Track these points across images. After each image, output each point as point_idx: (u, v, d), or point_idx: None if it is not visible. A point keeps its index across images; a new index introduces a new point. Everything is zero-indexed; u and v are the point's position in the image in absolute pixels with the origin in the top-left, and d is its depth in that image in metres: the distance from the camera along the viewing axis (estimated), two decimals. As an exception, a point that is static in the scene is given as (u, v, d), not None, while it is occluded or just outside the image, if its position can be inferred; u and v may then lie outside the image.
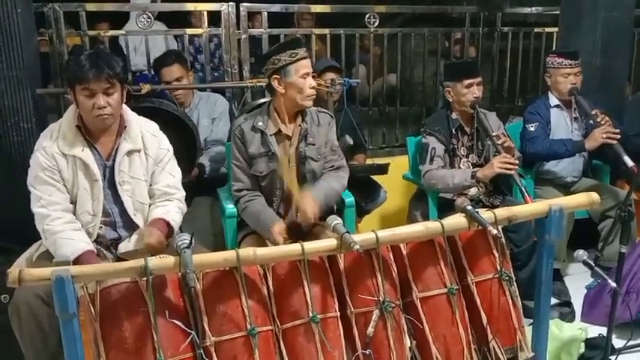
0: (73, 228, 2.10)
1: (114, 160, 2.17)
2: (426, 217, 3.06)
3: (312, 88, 2.42)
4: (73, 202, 2.15)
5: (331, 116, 2.62)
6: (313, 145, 2.51)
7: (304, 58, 2.41)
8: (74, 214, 2.14)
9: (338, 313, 1.69)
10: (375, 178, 3.31)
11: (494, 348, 1.80)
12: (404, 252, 1.79)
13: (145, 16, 3.34)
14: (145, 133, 2.23)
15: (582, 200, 1.91)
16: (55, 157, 2.10)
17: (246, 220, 2.53)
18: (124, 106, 2.23)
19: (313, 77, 2.48)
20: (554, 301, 2.81)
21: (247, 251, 1.59)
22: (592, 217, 3.23)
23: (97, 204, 2.14)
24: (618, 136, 2.96)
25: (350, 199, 2.81)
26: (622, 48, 3.67)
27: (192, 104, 3.26)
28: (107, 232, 2.21)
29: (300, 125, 2.49)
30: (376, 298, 1.69)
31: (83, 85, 2.04)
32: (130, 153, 2.19)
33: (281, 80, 2.40)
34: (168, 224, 2.19)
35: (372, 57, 4.07)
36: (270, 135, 2.46)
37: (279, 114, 2.48)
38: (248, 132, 2.48)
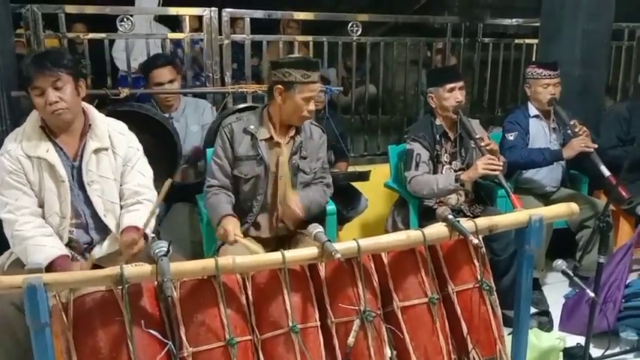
0: (44, 233, 2.05)
1: (81, 160, 2.14)
2: (407, 225, 3.06)
3: (310, 111, 2.39)
4: (41, 204, 2.11)
5: (323, 131, 2.60)
6: (305, 158, 2.49)
7: (314, 82, 2.37)
8: (43, 217, 2.10)
9: (318, 323, 1.66)
10: (356, 185, 3.31)
11: (474, 358, 1.79)
12: (385, 261, 1.77)
13: (125, 19, 3.30)
14: (112, 132, 2.20)
15: (562, 210, 1.91)
16: (19, 160, 2.07)
17: (207, 212, 2.50)
18: (89, 105, 2.21)
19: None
20: (532, 310, 2.83)
21: (226, 259, 1.56)
22: (570, 226, 3.26)
23: (64, 205, 2.10)
24: (595, 146, 3.01)
25: (331, 206, 2.81)
26: (600, 60, 3.75)
27: (178, 109, 3.22)
28: (80, 236, 2.17)
29: (294, 137, 2.47)
30: (357, 308, 1.67)
31: (31, 85, 2.02)
32: (97, 151, 2.15)
33: (283, 93, 2.36)
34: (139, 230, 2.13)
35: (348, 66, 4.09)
36: (261, 140, 2.43)
37: (272, 120, 2.45)
38: (238, 132, 2.45)
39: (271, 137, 2.45)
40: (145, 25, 3.89)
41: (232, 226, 2.27)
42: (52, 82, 2.02)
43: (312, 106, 2.39)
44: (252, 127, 2.44)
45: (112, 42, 3.78)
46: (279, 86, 2.35)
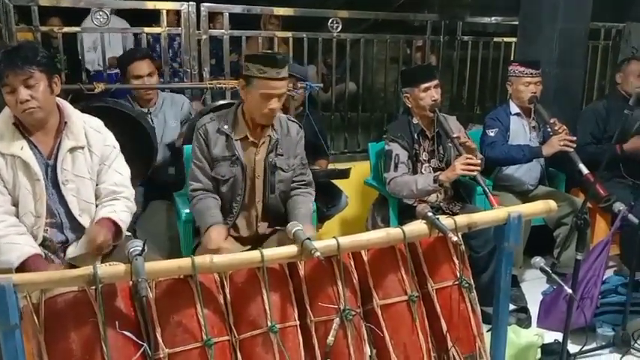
0: (18, 232, 2.00)
1: (56, 159, 2.08)
2: (387, 223, 3.06)
3: (271, 110, 2.30)
4: (15, 203, 2.05)
5: (300, 126, 2.55)
6: (282, 155, 2.45)
7: (271, 79, 2.26)
8: (17, 217, 2.04)
9: (297, 322, 1.64)
10: (336, 183, 3.29)
11: (453, 356, 1.79)
12: (365, 259, 1.76)
13: (101, 12, 3.23)
14: (88, 130, 2.15)
15: (540, 208, 1.92)
16: None
17: (194, 217, 2.46)
18: (64, 102, 2.15)
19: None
20: (511, 307, 2.84)
21: (204, 258, 1.53)
22: (547, 223, 3.29)
23: (40, 204, 2.05)
24: (574, 145, 3.04)
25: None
26: (578, 59, 3.79)
27: (156, 105, 3.17)
28: (54, 235, 2.12)
29: (269, 135, 2.42)
30: (337, 306, 1.66)
31: (2, 82, 1.96)
32: (72, 150, 2.10)
33: (245, 87, 2.32)
34: (114, 223, 2.10)
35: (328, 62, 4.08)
36: (236, 140, 2.39)
37: (246, 119, 2.41)
38: (213, 133, 2.40)
39: (246, 137, 2.41)
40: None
41: (216, 234, 2.26)
42: (23, 80, 1.96)
43: (273, 105, 2.30)
44: (226, 127, 2.38)
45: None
46: (242, 79, 2.33)
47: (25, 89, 1.96)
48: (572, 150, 3.03)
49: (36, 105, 1.99)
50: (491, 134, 3.23)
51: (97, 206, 2.17)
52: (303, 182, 2.56)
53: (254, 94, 2.29)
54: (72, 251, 2.12)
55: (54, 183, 2.10)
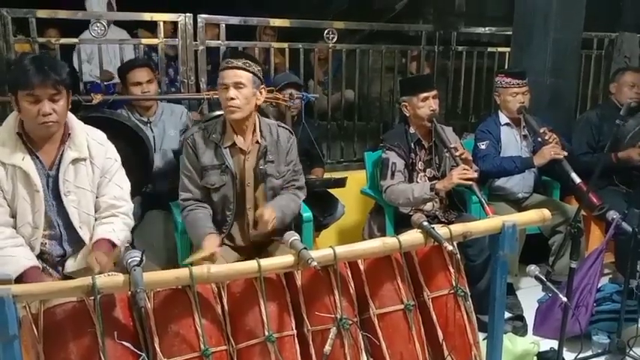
0: (15, 244, 2.00)
1: (58, 170, 2.08)
2: (383, 232, 3.07)
3: (226, 99, 2.31)
4: (14, 214, 2.05)
5: (291, 132, 2.55)
6: (272, 162, 2.45)
7: (222, 69, 2.33)
8: (15, 228, 2.04)
9: (294, 332, 1.65)
10: (332, 192, 3.31)
11: (449, 364, 1.80)
12: (361, 268, 1.78)
13: (98, 24, 3.25)
14: (90, 142, 2.15)
15: (535, 217, 1.94)
16: None
17: (186, 229, 2.46)
18: (69, 113, 2.16)
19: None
20: (506, 315, 2.86)
21: (201, 269, 1.54)
22: (542, 231, 3.31)
23: (38, 216, 2.05)
24: (565, 153, 3.05)
25: (308, 213, 2.80)
26: (570, 68, 3.82)
27: (156, 115, 3.18)
28: (53, 248, 2.12)
29: (258, 142, 2.43)
30: (333, 316, 1.67)
31: (28, 91, 1.95)
32: (75, 162, 2.10)
33: None
34: (113, 244, 2.10)
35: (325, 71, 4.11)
36: (224, 147, 2.40)
37: (232, 125, 2.41)
38: (201, 143, 2.41)
39: (234, 143, 2.41)
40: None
41: (209, 243, 2.25)
42: (51, 94, 1.97)
43: (229, 94, 2.28)
44: (214, 135, 2.40)
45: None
46: None
47: (50, 103, 1.97)
48: (563, 159, 3.05)
49: (56, 119, 2.00)
50: (483, 147, 3.24)
51: (95, 219, 2.17)
52: (293, 186, 2.54)
53: (218, 89, 2.37)
54: (70, 265, 2.11)
55: (55, 194, 2.10)
